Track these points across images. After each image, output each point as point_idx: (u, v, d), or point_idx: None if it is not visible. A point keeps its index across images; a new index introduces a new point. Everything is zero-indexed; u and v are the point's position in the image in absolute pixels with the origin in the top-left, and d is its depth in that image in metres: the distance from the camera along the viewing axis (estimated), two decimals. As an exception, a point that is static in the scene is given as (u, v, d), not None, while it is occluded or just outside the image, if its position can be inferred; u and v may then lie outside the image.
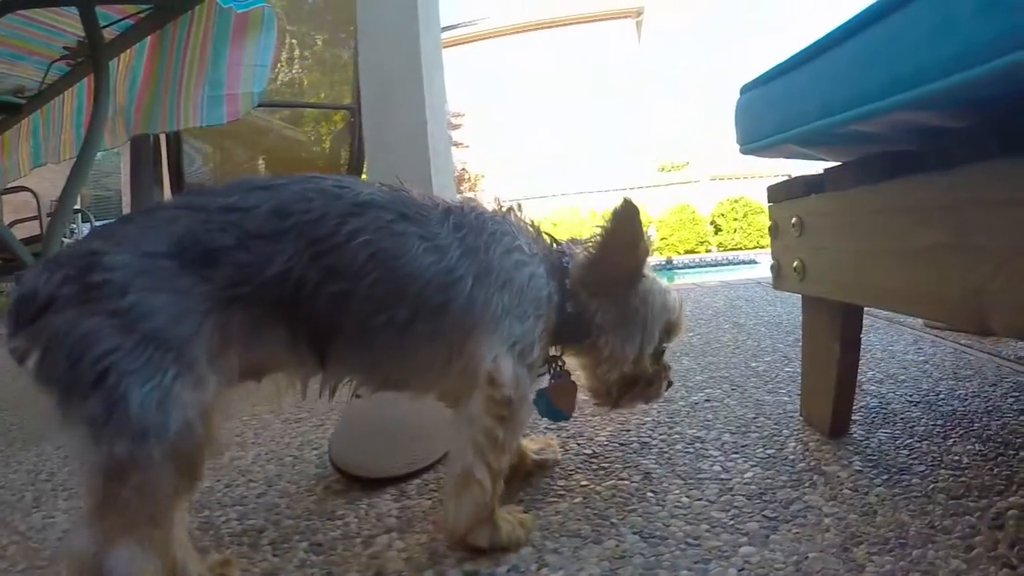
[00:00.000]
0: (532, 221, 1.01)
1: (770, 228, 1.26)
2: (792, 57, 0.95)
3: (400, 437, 1.23)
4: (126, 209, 10.83)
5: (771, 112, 1.04)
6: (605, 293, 0.97)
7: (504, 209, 0.99)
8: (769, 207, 1.26)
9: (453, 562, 0.87)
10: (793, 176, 1.17)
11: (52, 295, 0.69)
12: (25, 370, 0.70)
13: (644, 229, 0.95)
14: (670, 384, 1.09)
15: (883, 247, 0.87)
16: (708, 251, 13.48)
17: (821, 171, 1.08)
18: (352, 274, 0.79)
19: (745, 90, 1.14)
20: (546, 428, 1.34)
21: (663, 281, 1.06)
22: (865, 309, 1.15)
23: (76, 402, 0.68)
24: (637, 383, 1.02)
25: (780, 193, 1.20)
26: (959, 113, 0.71)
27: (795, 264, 1.14)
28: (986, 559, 0.76)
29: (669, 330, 1.04)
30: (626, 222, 0.92)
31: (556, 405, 1.05)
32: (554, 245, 1.02)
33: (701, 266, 10.85)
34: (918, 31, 0.66)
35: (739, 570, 0.79)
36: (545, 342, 0.95)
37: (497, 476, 0.88)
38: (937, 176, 0.75)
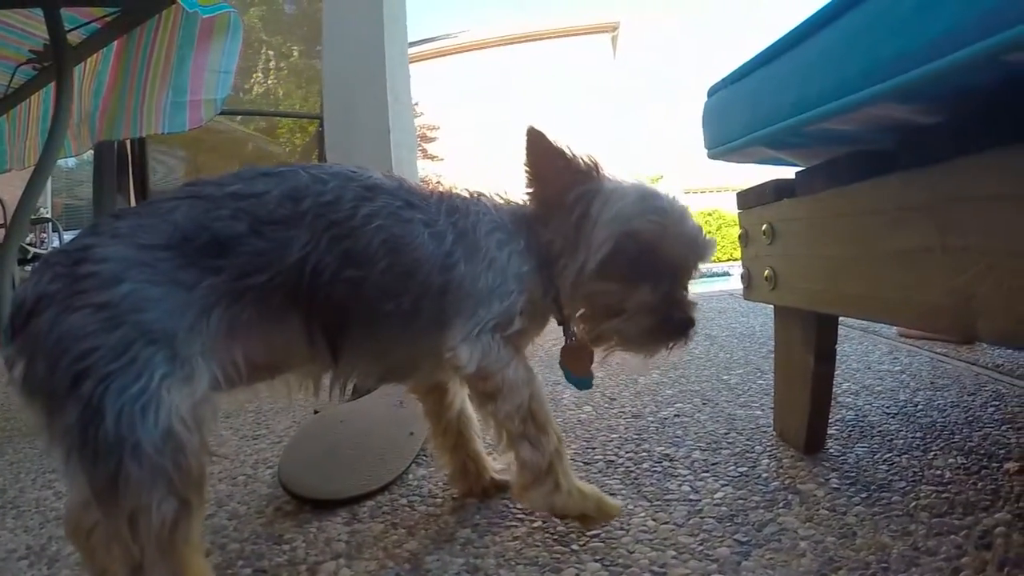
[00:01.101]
0: (502, 193, 0.99)
1: (740, 236, 1.22)
2: (762, 52, 0.92)
3: (352, 458, 1.19)
4: (94, 219, 10.69)
5: (740, 112, 1.00)
6: (555, 219, 0.92)
7: (476, 194, 0.96)
8: (739, 214, 1.22)
9: (401, 592, 0.81)
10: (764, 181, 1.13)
11: (41, 294, 0.65)
12: (12, 381, 0.65)
13: (556, 142, 0.90)
14: (675, 327, 0.87)
15: (858, 252, 0.83)
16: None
17: (793, 175, 1.04)
18: (367, 259, 0.79)
19: (713, 91, 1.11)
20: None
21: (643, 187, 0.93)
22: (840, 319, 1.11)
23: (55, 415, 0.63)
24: (605, 314, 0.89)
25: (750, 199, 1.16)
26: (939, 106, 0.67)
27: (766, 273, 1.09)
28: None
29: (643, 240, 0.86)
30: (535, 143, 0.91)
31: (571, 371, 0.99)
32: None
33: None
34: (898, 13, 0.62)
35: (707, 602, 0.74)
36: (534, 311, 0.92)
37: (535, 439, 0.87)
38: (915, 174, 0.70)
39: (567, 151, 0.90)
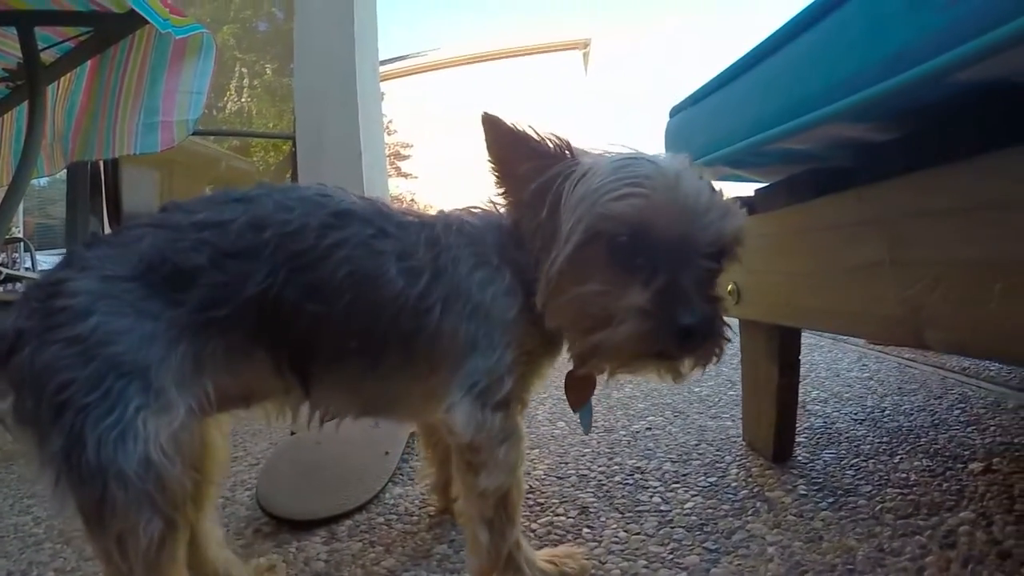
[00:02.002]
0: (488, 205, 0.86)
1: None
2: (721, 73, 0.94)
3: (330, 479, 1.19)
4: (67, 239, 10.53)
5: (700, 132, 1.03)
6: (528, 220, 0.79)
7: (459, 219, 0.84)
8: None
9: (378, 610, 0.82)
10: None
11: (20, 329, 0.66)
12: (3, 413, 0.67)
13: (517, 126, 0.77)
14: (678, 333, 0.66)
15: (816, 267, 0.86)
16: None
17: (752, 192, 1.07)
18: (329, 293, 0.74)
19: (675, 112, 1.14)
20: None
21: (624, 156, 0.75)
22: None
23: (43, 444, 0.64)
24: (592, 326, 0.71)
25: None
26: (892, 124, 0.70)
27: (729, 288, 1.12)
28: None
29: (623, 221, 0.69)
30: (494, 131, 0.78)
31: (570, 402, 0.88)
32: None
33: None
34: (850, 35, 0.65)
35: (678, 609, 0.76)
36: (525, 366, 0.81)
37: (498, 529, 0.80)
38: (868, 191, 0.74)
39: (531, 133, 0.77)
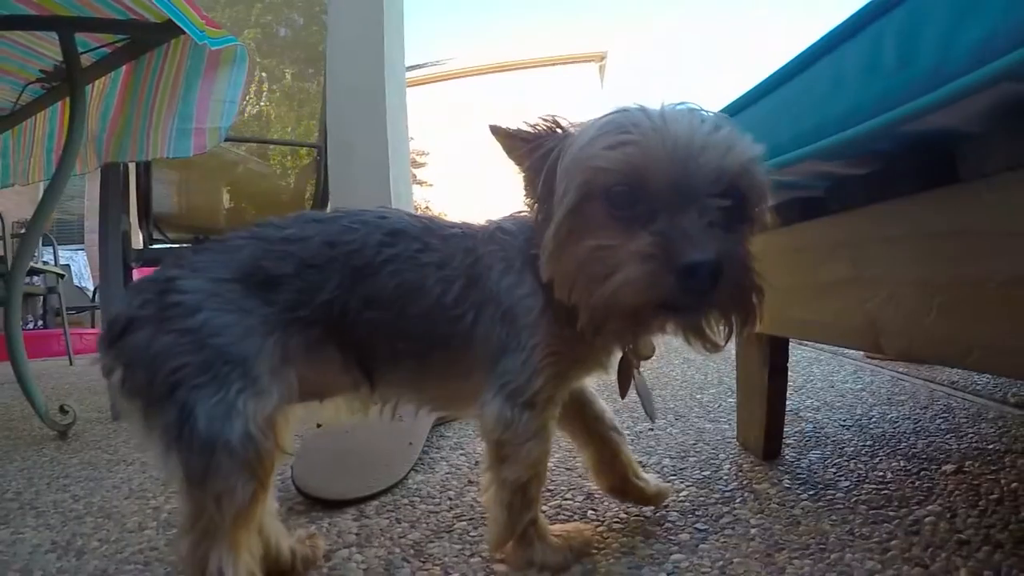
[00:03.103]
0: (515, 219, 0.89)
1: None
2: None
3: (358, 464, 1.30)
4: (88, 235, 10.65)
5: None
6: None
7: (496, 225, 0.89)
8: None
9: (408, 572, 0.93)
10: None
11: (132, 316, 0.77)
12: (111, 385, 0.78)
13: (516, 128, 0.81)
14: (682, 271, 0.62)
15: (798, 282, 0.97)
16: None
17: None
18: (383, 302, 0.83)
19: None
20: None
21: (611, 115, 0.73)
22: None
23: (154, 414, 0.75)
24: (588, 281, 0.70)
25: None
26: (856, 162, 0.81)
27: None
28: (900, 560, 0.83)
29: (615, 172, 0.68)
30: (501, 138, 0.83)
31: (619, 391, 0.91)
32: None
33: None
34: (816, 92, 0.77)
35: (668, 574, 0.86)
36: (556, 367, 0.83)
37: (515, 511, 0.87)
38: (838, 218, 0.85)
39: (528, 127, 0.80)
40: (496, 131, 0.83)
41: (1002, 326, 0.59)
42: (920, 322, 0.69)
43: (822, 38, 0.77)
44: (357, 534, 1.07)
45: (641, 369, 0.91)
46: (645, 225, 0.66)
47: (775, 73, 0.88)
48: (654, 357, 0.90)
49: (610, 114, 0.73)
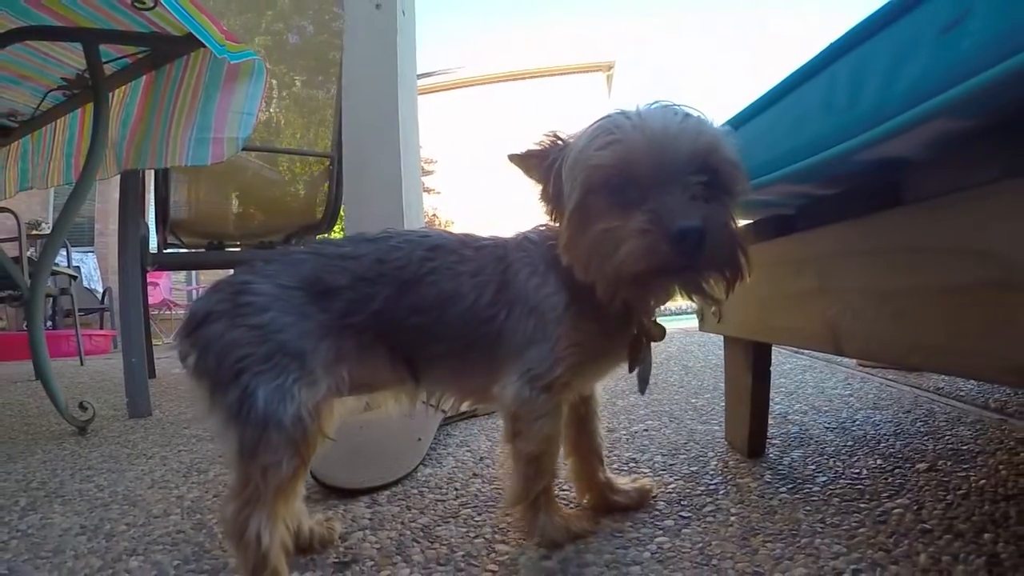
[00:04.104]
0: (537, 230, 1.00)
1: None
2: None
3: (371, 457, 1.40)
4: (98, 237, 10.78)
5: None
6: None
7: (522, 235, 1.01)
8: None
9: (418, 551, 1.02)
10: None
11: (210, 311, 0.89)
12: (185, 368, 0.90)
13: (528, 149, 0.94)
14: (673, 237, 0.74)
15: (773, 292, 1.06)
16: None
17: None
18: (425, 310, 0.93)
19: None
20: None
21: (599, 121, 0.86)
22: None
23: (219, 394, 0.87)
24: (600, 260, 0.82)
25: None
26: (822, 185, 0.90)
27: (713, 309, 1.31)
28: (866, 545, 0.91)
29: (609, 167, 0.80)
30: (520, 164, 0.95)
31: (628, 365, 0.99)
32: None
33: (665, 314, 11.11)
34: (786, 123, 0.86)
35: (652, 554, 0.95)
36: (576, 357, 0.93)
37: (530, 477, 0.97)
38: (805, 235, 0.95)
39: (536, 146, 0.93)
40: (513, 158, 0.94)
41: (938, 330, 0.68)
42: (873, 327, 0.78)
43: (790, 75, 0.87)
44: (370, 519, 1.17)
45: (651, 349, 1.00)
46: (639, 206, 0.78)
47: (752, 104, 0.98)
48: (665, 341, 0.99)
49: (598, 121, 0.85)
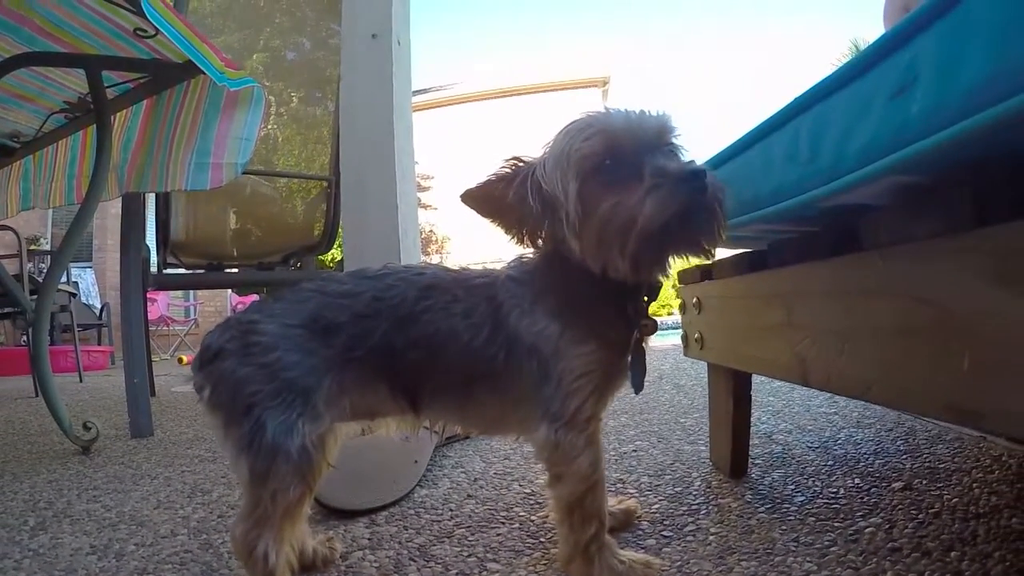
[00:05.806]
0: (521, 260, 1.02)
1: (680, 305, 1.51)
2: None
3: (369, 479, 1.45)
4: (96, 252, 10.83)
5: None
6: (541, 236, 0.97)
7: (505, 272, 1.02)
8: (679, 288, 1.51)
9: (415, 569, 1.07)
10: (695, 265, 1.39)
11: (221, 347, 0.96)
12: (201, 399, 0.96)
13: (480, 182, 0.97)
14: (681, 182, 0.82)
15: (748, 323, 1.12)
16: (670, 314, 13.78)
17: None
18: (424, 345, 0.97)
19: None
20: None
21: (568, 127, 0.92)
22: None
23: (233, 426, 0.93)
24: (616, 235, 0.85)
25: (686, 277, 1.46)
26: (795, 225, 0.97)
27: (696, 336, 1.39)
28: (836, 563, 0.96)
29: (595, 154, 0.87)
30: (473, 201, 0.98)
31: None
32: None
33: (663, 329, 11.14)
34: (754, 170, 0.93)
35: (635, 572, 1.00)
36: (588, 383, 0.94)
37: (575, 526, 0.96)
38: (776, 272, 1.02)
39: (493, 177, 0.96)
40: (467, 195, 0.98)
41: (891, 367, 0.74)
42: (834, 362, 0.84)
43: (760, 124, 0.94)
44: (369, 539, 1.22)
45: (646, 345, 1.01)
46: (635, 176, 0.84)
47: (728, 147, 1.05)
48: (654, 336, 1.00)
49: (569, 124, 0.92)
